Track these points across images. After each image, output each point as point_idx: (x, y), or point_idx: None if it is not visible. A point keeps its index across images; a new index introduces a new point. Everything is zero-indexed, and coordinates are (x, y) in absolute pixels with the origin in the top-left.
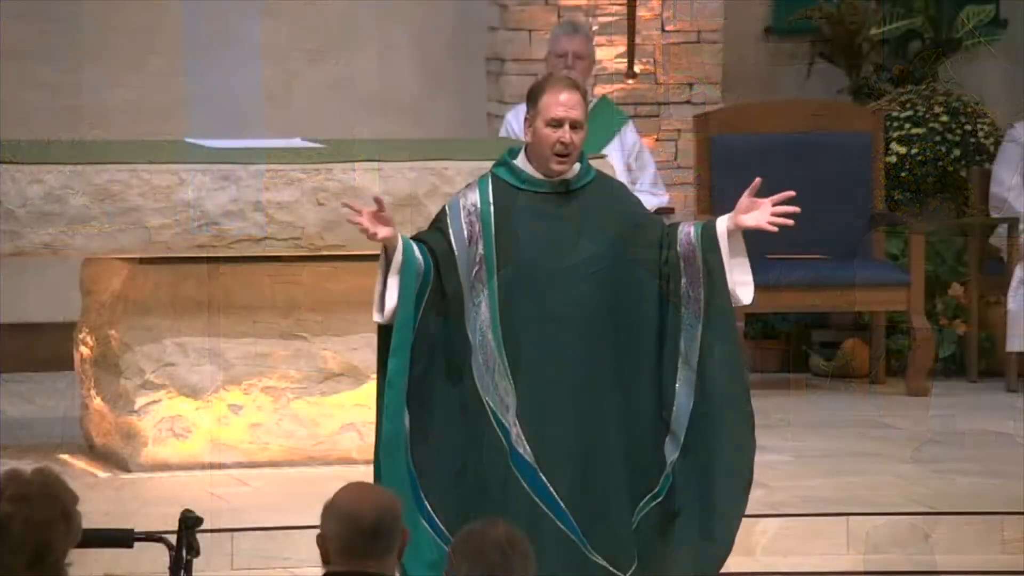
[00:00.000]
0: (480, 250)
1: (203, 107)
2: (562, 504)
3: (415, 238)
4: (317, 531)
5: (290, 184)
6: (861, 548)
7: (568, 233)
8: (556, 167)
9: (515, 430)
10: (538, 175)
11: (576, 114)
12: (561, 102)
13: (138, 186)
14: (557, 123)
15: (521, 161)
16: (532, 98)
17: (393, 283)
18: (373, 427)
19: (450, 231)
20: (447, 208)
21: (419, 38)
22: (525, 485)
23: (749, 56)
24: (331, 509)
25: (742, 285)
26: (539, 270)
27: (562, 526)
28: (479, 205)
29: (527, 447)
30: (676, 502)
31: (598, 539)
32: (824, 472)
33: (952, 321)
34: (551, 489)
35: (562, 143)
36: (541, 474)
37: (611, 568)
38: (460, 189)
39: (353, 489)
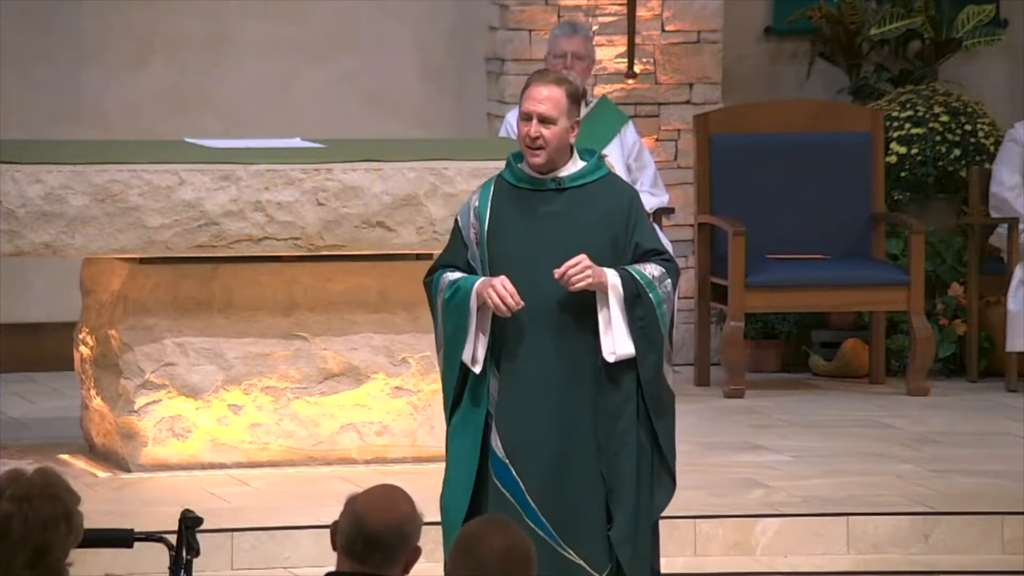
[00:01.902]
0: (477, 249)
1: (203, 107)
2: (531, 501)
3: (455, 266)
4: (334, 520)
5: (290, 184)
6: (861, 548)
7: (555, 229)
8: (530, 159)
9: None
10: (533, 173)
11: (544, 108)
12: (532, 96)
13: (138, 186)
14: (527, 116)
15: (522, 162)
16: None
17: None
18: (373, 427)
19: (463, 241)
20: (458, 219)
21: (419, 38)
22: (496, 480)
23: (749, 56)
24: (349, 503)
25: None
26: (524, 264)
27: (531, 523)
28: (478, 206)
29: (499, 443)
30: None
31: (572, 537)
32: (824, 472)
33: (952, 321)
34: (521, 485)
35: (530, 136)
36: (512, 470)
37: (586, 567)
38: (470, 196)
39: (377, 492)
